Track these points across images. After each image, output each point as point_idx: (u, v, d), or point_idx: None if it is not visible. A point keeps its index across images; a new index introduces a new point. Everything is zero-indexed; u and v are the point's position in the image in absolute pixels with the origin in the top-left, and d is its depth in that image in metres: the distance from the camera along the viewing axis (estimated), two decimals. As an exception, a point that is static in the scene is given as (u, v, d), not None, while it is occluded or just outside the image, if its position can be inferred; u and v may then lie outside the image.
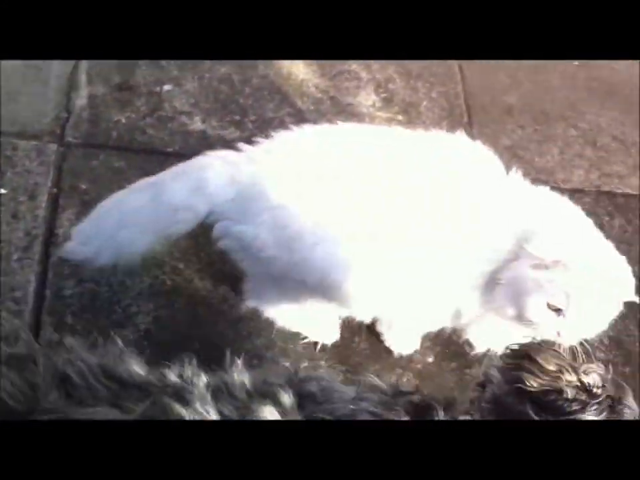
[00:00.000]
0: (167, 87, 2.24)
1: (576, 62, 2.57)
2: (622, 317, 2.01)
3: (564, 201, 1.53)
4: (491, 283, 1.47)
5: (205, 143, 2.13)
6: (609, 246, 1.49)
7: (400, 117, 2.32)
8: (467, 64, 2.49)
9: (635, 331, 2.02)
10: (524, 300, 1.42)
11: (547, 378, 1.00)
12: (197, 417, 1.01)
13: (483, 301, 1.48)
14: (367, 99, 2.35)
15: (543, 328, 1.42)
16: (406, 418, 1.03)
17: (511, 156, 2.32)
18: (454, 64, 2.49)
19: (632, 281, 1.46)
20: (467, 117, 2.37)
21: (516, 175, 1.54)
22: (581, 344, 1.38)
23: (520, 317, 1.46)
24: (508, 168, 1.86)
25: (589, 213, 2.22)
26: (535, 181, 2.24)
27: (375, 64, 2.44)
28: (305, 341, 1.78)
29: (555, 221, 1.45)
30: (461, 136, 1.55)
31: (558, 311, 1.39)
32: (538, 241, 1.37)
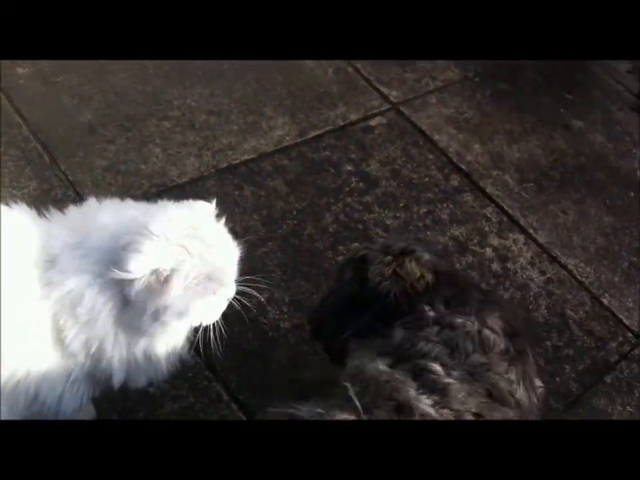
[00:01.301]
0: None
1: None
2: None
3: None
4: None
5: None
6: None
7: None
8: (19, 101, 2.21)
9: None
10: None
11: None
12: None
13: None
14: None
15: None
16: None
17: (114, 174, 2.12)
18: None
19: None
20: (47, 155, 2.10)
21: None
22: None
23: None
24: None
25: (218, 194, 2.14)
26: (152, 187, 2.10)
27: None
28: None
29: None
30: None
31: None
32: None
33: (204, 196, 2.11)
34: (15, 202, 1.33)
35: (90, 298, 1.18)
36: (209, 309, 1.28)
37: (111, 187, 2.08)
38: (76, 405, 1.35)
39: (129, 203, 1.32)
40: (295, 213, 2.16)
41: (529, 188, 2.42)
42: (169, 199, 1.39)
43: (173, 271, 1.19)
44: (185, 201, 1.33)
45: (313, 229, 2.12)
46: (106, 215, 1.25)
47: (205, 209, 1.32)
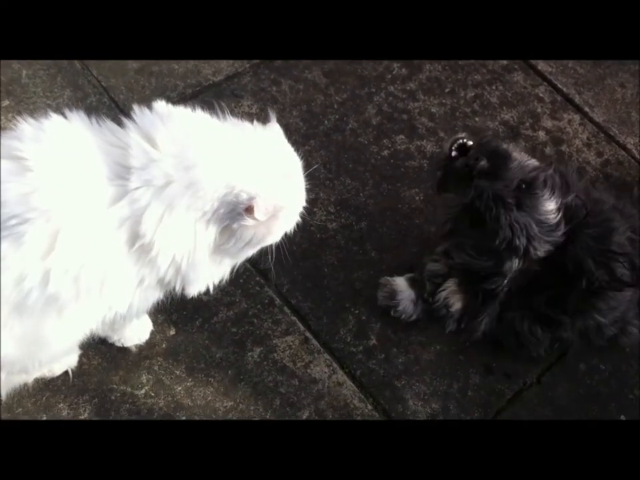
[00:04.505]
0: None
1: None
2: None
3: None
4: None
5: None
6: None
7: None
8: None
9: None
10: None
11: None
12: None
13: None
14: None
15: None
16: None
17: (147, 76, 2.15)
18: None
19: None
20: (78, 61, 2.13)
21: None
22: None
23: None
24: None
25: (255, 91, 2.16)
26: (187, 88, 2.13)
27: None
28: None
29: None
30: None
31: None
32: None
33: (241, 94, 2.15)
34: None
35: (192, 227, 1.25)
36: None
37: (145, 89, 2.12)
38: (142, 309, 1.46)
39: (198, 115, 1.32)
40: (335, 106, 2.17)
41: (583, 62, 2.36)
42: (207, 98, 1.40)
43: (281, 207, 1.28)
44: (257, 126, 1.34)
45: (355, 123, 2.14)
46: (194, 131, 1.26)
47: (279, 133, 1.36)
